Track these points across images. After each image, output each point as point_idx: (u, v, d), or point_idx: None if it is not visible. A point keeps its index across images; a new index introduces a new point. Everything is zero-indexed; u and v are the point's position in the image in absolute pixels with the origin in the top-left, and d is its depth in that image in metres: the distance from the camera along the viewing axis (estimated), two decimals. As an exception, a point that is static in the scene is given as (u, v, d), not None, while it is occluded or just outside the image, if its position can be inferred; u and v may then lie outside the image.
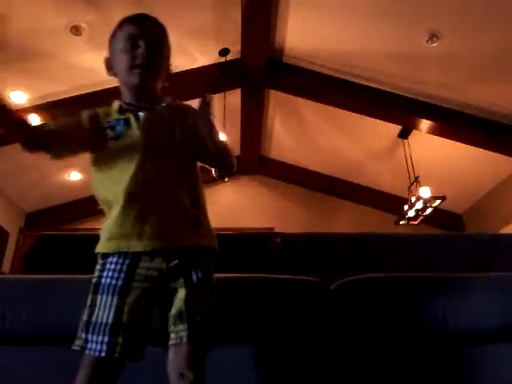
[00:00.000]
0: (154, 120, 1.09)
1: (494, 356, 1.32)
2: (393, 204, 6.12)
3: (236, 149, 5.61)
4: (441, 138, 4.80)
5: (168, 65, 1.18)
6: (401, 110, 4.57)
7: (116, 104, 1.14)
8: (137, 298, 0.95)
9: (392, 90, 4.47)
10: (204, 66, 4.46)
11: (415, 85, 4.35)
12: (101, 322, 0.93)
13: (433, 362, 1.31)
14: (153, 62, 1.09)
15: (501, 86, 4.10)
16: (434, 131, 4.72)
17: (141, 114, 1.09)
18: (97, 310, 0.95)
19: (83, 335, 0.96)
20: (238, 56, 4.33)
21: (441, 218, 6.03)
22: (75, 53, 3.97)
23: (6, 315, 1.26)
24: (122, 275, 0.96)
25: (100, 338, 0.93)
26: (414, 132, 5.05)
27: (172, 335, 0.97)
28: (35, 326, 1.26)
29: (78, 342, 0.97)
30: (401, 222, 5.41)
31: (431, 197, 4.93)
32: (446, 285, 1.39)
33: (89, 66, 4.14)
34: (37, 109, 4.44)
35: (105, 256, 1.01)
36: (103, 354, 0.92)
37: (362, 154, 5.61)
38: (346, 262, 1.92)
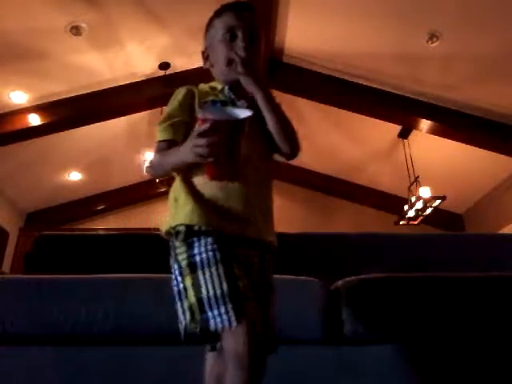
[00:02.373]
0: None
1: (493, 356, 1.32)
2: (393, 204, 6.12)
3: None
4: (441, 138, 4.80)
5: (262, 52, 1.10)
6: (401, 110, 4.57)
7: (219, 86, 1.08)
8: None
9: (392, 90, 4.47)
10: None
11: (415, 85, 4.34)
12: (215, 294, 0.86)
13: (438, 360, 1.31)
14: (251, 55, 1.03)
15: (501, 85, 4.10)
16: (434, 131, 4.72)
17: (239, 103, 1.03)
18: (204, 285, 0.87)
19: (199, 317, 0.87)
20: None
21: (441, 217, 6.02)
22: (75, 53, 3.97)
23: (6, 315, 1.26)
24: (218, 253, 0.90)
25: (223, 309, 0.85)
26: (414, 132, 5.05)
27: None
28: (35, 326, 1.27)
29: (193, 326, 0.87)
30: (401, 222, 5.41)
31: (431, 197, 4.93)
32: (446, 285, 1.39)
33: (89, 66, 4.15)
34: (37, 109, 4.45)
35: (188, 236, 0.93)
36: (234, 324, 0.83)
37: (362, 153, 5.61)
38: (346, 262, 1.92)
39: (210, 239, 0.91)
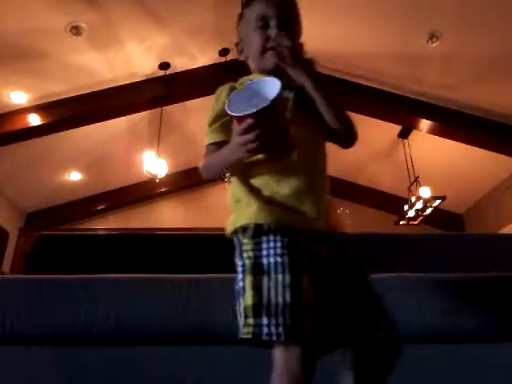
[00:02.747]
0: (299, 100, 0.98)
1: (494, 356, 1.33)
2: (393, 204, 6.12)
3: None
4: (441, 138, 4.80)
5: (300, 39, 1.07)
6: (401, 110, 4.57)
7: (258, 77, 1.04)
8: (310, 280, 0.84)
9: (392, 90, 4.47)
10: (204, 66, 4.47)
11: (415, 85, 4.35)
12: (276, 303, 0.80)
13: (432, 363, 1.31)
14: (286, 40, 0.97)
15: (501, 85, 4.10)
16: (434, 131, 4.72)
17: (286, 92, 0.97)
18: (267, 291, 0.82)
19: (251, 321, 0.81)
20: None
21: (441, 217, 6.03)
22: (75, 53, 3.97)
23: (6, 315, 1.27)
24: (287, 259, 0.84)
25: (280, 320, 0.79)
26: (414, 132, 5.06)
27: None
28: (35, 326, 1.27)
29: (246, 330, 0.82)
30: (401, 222, 5.41)
31: (431, 197, 4.94)
32: (446, 285, 1.39)
33: (89, 66, 4.15)
34: (37, 109, 4.45)
35: (257, 235, 0.88)
36: (282, 338, 0.78)
37: (362, 154, 5.61)
38: (346, 262, 1.92)
39: (279, 241, 0.85)
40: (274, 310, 0.80)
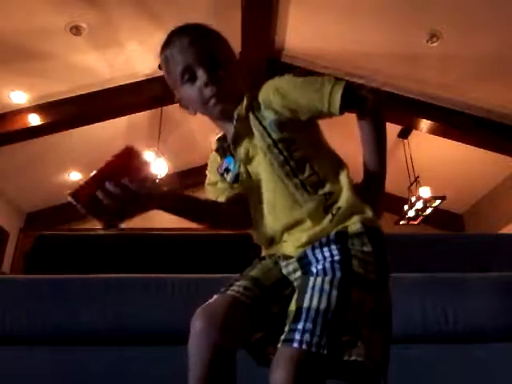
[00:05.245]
0: (242, 144, 0.93)
1: (495, 355, 1.32)
2: (393, 204, 6.11)
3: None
4: (441, 138, 4.80)
5: (235, 63, 1.00)
6: (401, 109, 4.57)
7: (213, 146, 1.02)
8: None
9: (392, 90, 4.47)
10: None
11: (415, 85, 4.35)
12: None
13: (432, 363, 1.31)
14: (221, 84, 0.90)
15: (501, 85, 4.10)
16: (433, 131, 4.72)
17: (231, 147, 0.94)
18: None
19: None
20: (237, 56, 4.32)
21: (441, 218, 6.02)
22: (75, 53, 3.97)
23: (6, 315, 1.27)
24: None
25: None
26: (414, 132, 5.05)
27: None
28: (35, 326, 1.27)
29: None
30: (401, 222, 5.41)
31: (431, 197, 4.93)
32: (446, 285, 1.39)
33: (89, 66, 4.15)
34: (37, 109, 4.45)
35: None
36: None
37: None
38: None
39: None
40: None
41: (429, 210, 5.06)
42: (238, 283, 0.86)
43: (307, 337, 0.70)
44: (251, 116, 0.91)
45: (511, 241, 2.10)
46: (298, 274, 0.85)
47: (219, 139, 1.00)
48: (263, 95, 0.93)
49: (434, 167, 5.30)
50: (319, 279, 0.76)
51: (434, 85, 4.28)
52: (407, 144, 5.29)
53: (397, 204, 5.73)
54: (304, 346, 0.69)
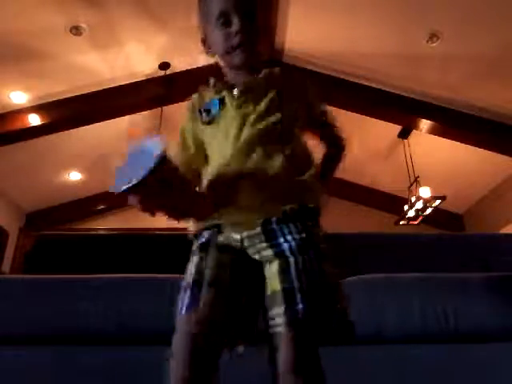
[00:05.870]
0: (248, 95, 0.95)
1: (495, 355, 1.33)
2: (393, 204, 6.12)
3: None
4: (441, 138, 4.80)
5: (268, 26, 1.05)
6: (401, 110, 4.57)
7: (211, 81, 1.02)
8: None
9: (392, 90, 4.47)
10: (204, 66, 4.46)
11: (415, 85, 4.34)
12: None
13: (432, 363, 1.31)
14: (251, 36, 0.94)
15: (501, 85, 4.10)
16: (434, 131, 4.72)
17: (235, 90, 0.96)
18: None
19: None
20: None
21: (441, 218, 6.02)
22: (75, 53, 3.97)
23: (6, 315, 1.26)
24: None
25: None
26: (414, 132, 5.05)
27: (270, 322, 0.80)
28: (35, 325, 1.26)
29: None
30: (401, 222, 5.40)
31: (431, 197, 4.93)
32: (446, 285, 1.39)
33: (89, 65, 4.15)
34: (37, 109, 4.45)
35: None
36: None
37: (362, 153, 5.61)
38: (346, 262, 1.92)
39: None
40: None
41: (429, 210, 5.05)
42: (208, 296, 0.84)
43: (307, 314, 0.77)
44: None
45: (511, 241, 2.10)
46: (269, 252, 0.85)
47: (217, 81, 1.02)
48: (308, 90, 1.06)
49: (433, 167, 5.30)
50: (298, 259, 0.81)
51: (433, 85, 4.28)
52: (407, 144, 5.29)
53: (397, 204, 5.74)
54: (306, 324, 0.76)
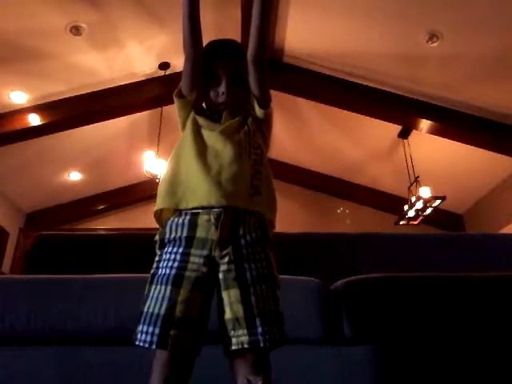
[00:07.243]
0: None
1: (494, 355, 1.33)
2: (393, 204, 6.12)
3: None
4: (441, 138, 4.80)
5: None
6: (401, 110, 4.57)
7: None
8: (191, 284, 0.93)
9: (392, 90, 4.47)
10: (204, 66, 4.47)
11: (415, 85, 4.34)
12: (152, 313, 0.91)
13: (438, 361, 1.31)
14: (236, 96, 1.06)
15: (501, 85, 4.10)
16: (433, 131, 4.72)
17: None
18: (149, 301, 0.93)
19: (137, 327, 0.94)
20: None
21: (441, 218, 6.02)
22: (75, 53, 3.97)
23: (6, 315, 1.26)
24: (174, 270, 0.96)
25: (151, 329, 0.91)
26: (414, 132, 5.05)
27: (233, 340, 0.91)
28: (35, 325, 1.26)
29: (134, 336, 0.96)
30: (401, 222, 5.41)
31: (431, 197, 4.93)
32: (446, 285, 1.39)
33: (89, 65, 4.15)
34: (37, 109, 4.45)
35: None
36: (153, 347, 0.90)
37: (362, 154, 5.61)
38: (346, 262, 1.92)
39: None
40: (149, 318, 0.92)
41: (429, 210, 5.05)
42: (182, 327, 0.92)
43: (268, 336, 0.90)
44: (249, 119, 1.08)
45: (511, 241, 2.10)
46: (231, 266, 0.94)
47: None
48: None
49: (433, 167, 5.31)
50: (259, 288, 0.93)
51: (434, 85, 4.28)
52: (407, 144, 5.29)
53: (397, 204, 5.74)
54: (268, 344, 0.90)
